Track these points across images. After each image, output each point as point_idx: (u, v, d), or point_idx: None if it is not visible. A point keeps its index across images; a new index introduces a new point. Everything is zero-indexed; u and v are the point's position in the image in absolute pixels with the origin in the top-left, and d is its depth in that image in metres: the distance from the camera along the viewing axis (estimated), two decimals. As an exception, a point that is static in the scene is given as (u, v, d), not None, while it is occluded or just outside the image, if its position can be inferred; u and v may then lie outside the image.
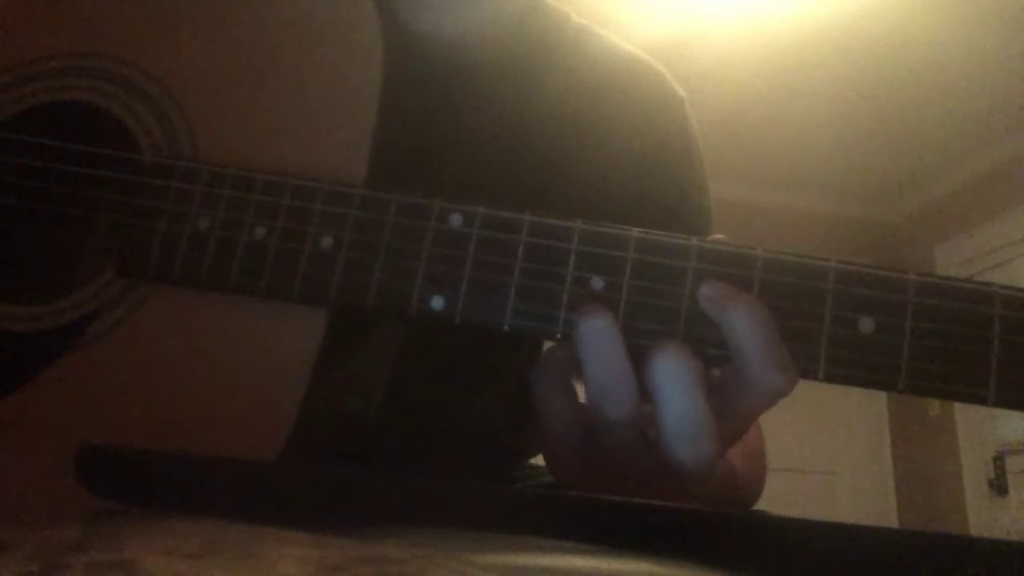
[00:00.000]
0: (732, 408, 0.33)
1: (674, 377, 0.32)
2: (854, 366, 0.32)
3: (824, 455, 3.84)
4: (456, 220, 0.35)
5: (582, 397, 0.35)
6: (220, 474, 0.29)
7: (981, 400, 0.31)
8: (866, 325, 0.32)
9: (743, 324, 0.32)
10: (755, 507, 0.51)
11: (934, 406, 3.72)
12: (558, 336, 0.34)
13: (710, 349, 0.34)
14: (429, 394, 0.51)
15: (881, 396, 4.03)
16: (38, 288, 0.37)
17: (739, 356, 0.33)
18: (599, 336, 0.33)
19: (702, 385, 0.33)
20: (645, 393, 0.34)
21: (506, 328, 0.34)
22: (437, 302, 0.35)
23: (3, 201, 0.40)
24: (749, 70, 2.89)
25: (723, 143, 2.78)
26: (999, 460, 3.38)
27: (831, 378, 0.32)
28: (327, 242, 0.35)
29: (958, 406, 3.57)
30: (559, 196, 0.51)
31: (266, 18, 0.40)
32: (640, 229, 0.35)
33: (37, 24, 0.41)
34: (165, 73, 0.39)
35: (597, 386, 0.33)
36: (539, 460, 0.65)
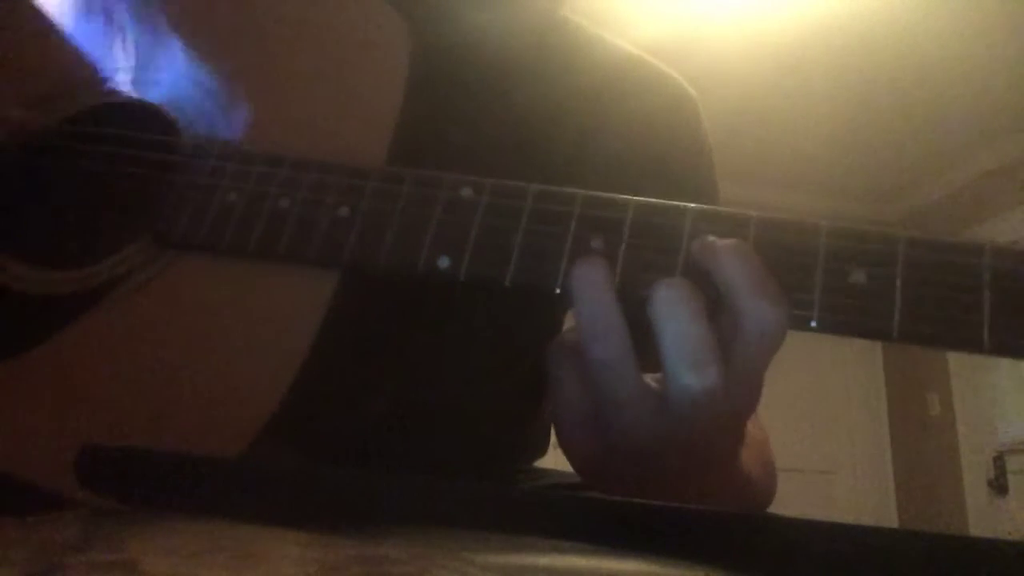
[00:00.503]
0: (731, 354, 0.33)
1: (673, 302, 0.33)
2: (847, 313, 0.32)
3: (824, 455, 3.85)
4: (466, 191, 0.37)
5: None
6: (220, 474, 0.29)
7: (978, 346, 0.31)
8: (858, 276, 0.33)
9: (732, 261, 0.33)
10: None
11: (934, 406, 3.72)
12: (556, 289, 0.35)
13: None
14: (434, 391, 0.51)
15: (881, 395, 4.03)
16: (72, 257, 0.40)
17: (731, 294, 0.33)
18: (590, 275, 0.34)
19: (702, 311, 0.33)
20: (646, 356, 0.34)
21: (507, 283, 0.35)
22: (443, 262, 0.36)
23: (54, 178, 0.44)
24: (749, 70, 2.89)
25: (723, 143, 2.77)
26: (999, 460, 3.38)
27: (825, 326, 0.33)
28: (344, 211, 0.38)
29: (958, 405, 3.57)
30: None
31: (305, 31, 0.45)
32: (640, 198, 0.36)
33: (112, 44, 0.47)
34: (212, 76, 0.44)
35: (586, 323, 0.34)
36: (542, 464, 0.65)
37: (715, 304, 0.34)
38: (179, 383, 0.36)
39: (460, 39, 0.55)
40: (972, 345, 0.31)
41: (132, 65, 0.46)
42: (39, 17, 0.49)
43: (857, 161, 3.55)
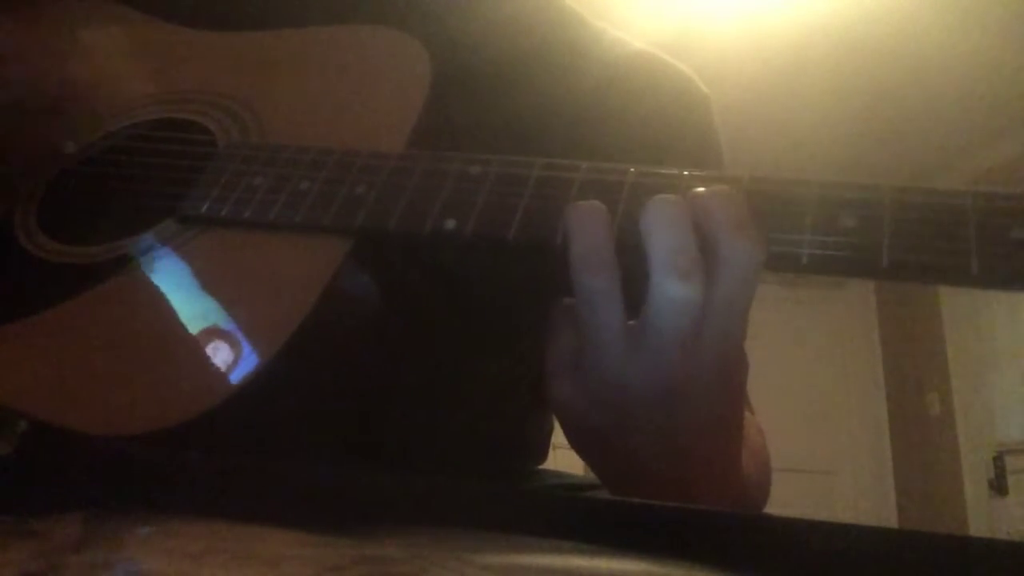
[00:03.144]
0: (711, 291, 0.34)
1: (661, 214, 0.35)
2: (837, 249, 0.33)
3: (824, 455, 3.85)
4: (475, 168, 0.40)
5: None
6: (220, 474, 0.29)
7: (966, 275, 0.31)
8: (847, 220, 0.34)
9: (717, 203, 0.35)
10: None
11: (934, 406, 3.72)
12: (558, 240, 0.37)
13: None
14: (435, 387, 0.51)
15: (881, 395, 4.03)
16: (98, 235, 0.44)
17: (713, 233, 0.34)
18: (586, 212, 0.36)
19: (688, 222, 0.34)
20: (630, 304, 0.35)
21: (511, 239, 0.37)
22: (450, 223, 0.38)
23: (100, 170, 0.49)
24: (749, 70, 2.89)
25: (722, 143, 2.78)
26: (999, 460, 3.38)
27: (814, 263, 0.33)
28: (361, 189, 0.41)
29: (958, 405, 3.57)
30: None
31: (335, 61, 0.51)
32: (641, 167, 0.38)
33: (164, 72, 0.55)
34: (250, 99, 0.50)
35: (578, 256, 0.35)
36: (546, 465, 0.65)
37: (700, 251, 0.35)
38: (182, 330, 0.38)
39: (463, 36, 0.55)
40: (961, 274, 0.32)
41: (181, 89, 0.52)
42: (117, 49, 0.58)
43: (858, 160, 3.55)
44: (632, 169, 0.38)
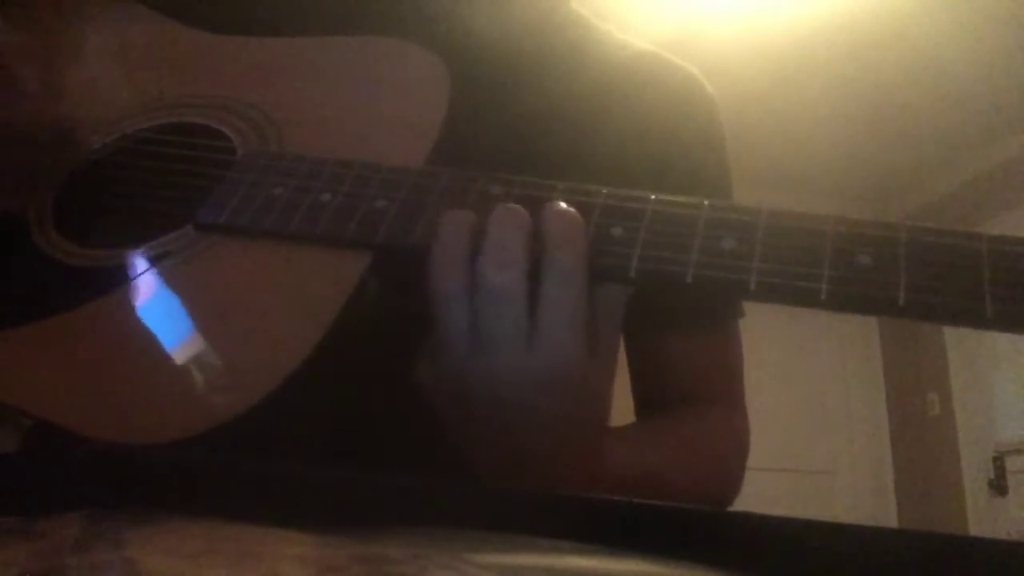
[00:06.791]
0: (540, 296, 0.37)
1: (498, 217, 0.37)
2: (855, 285, 0.34)
3: (823, 455, 3.84)
4: (496, 189, 0.40)
5: None
6: (220, 474, 0.29)
7: (980, 316, 0.32)
8: (864, 258, 0.34)
9: (552, 219, 0.37)
10: (754, 507, 0.51)
11: (934, 406, 3.72)
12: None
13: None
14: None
15: (881, 395, 4.02)
16: (117, 240, 0.44)
17: (544, 243, 0.37)
18: (448, 217, 0.38)
19: (523, 229, 0.37)
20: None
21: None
22: None
23: (116, 172, 0.49)
24: (749, 70, 2.89)
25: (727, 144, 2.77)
26: (999, 460, 3.38)
27: (833, 299, 0.34)
28: (382, 203, 0.41)
29: (958, 405, 3.57)
30: None
31: (353, 71, 0.51)
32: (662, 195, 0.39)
33: (182, 75, 0.54)
34: (269, 107, 0.49)
35: (435, 257, 0.38)
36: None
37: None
38: (201, 342, 0.38)
39: (465, 40, 0.56)
40: (975, 316, 0.32)
41: (198, 92, 0.52)
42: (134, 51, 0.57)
43: (857, 161, 3.55)
44: (653, 197, 0.38)
